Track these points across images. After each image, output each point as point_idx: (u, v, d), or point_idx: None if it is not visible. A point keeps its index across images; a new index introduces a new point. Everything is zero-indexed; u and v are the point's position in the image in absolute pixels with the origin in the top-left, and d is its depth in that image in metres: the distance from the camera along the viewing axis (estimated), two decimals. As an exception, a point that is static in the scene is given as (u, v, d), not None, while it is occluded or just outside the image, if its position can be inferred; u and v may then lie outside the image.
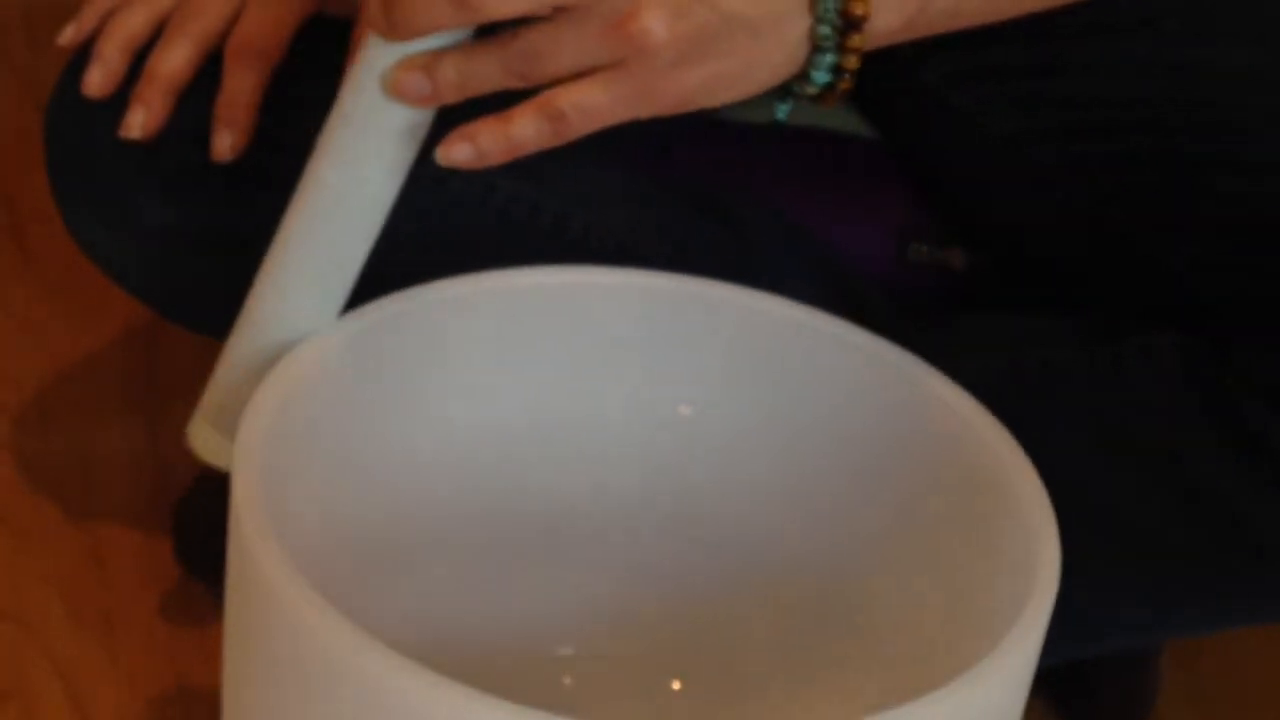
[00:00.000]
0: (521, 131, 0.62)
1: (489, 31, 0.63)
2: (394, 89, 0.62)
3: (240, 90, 0.78)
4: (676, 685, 0.78)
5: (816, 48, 0.63)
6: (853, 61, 0.64)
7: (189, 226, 0.81)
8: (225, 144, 0.78)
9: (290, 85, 0.79)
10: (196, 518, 0.91)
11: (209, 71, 0.79)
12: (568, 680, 0.78)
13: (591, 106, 0.61)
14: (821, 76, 0.64)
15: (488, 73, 0.62)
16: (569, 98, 0.61)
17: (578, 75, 0.62)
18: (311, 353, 0.65)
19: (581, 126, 0.62)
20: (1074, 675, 0.89)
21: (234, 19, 0.80)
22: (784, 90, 0.66)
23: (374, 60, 0.62)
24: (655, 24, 0.60)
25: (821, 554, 0.74)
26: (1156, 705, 0.91)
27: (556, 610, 0.78)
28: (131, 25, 0.80)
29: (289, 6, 0.80)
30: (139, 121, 0.78)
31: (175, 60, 0.79)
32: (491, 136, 0.62)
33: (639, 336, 0.73)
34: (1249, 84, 0.76)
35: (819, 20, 0.63)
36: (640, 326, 0.73)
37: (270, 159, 0.80)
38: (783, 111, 0.69)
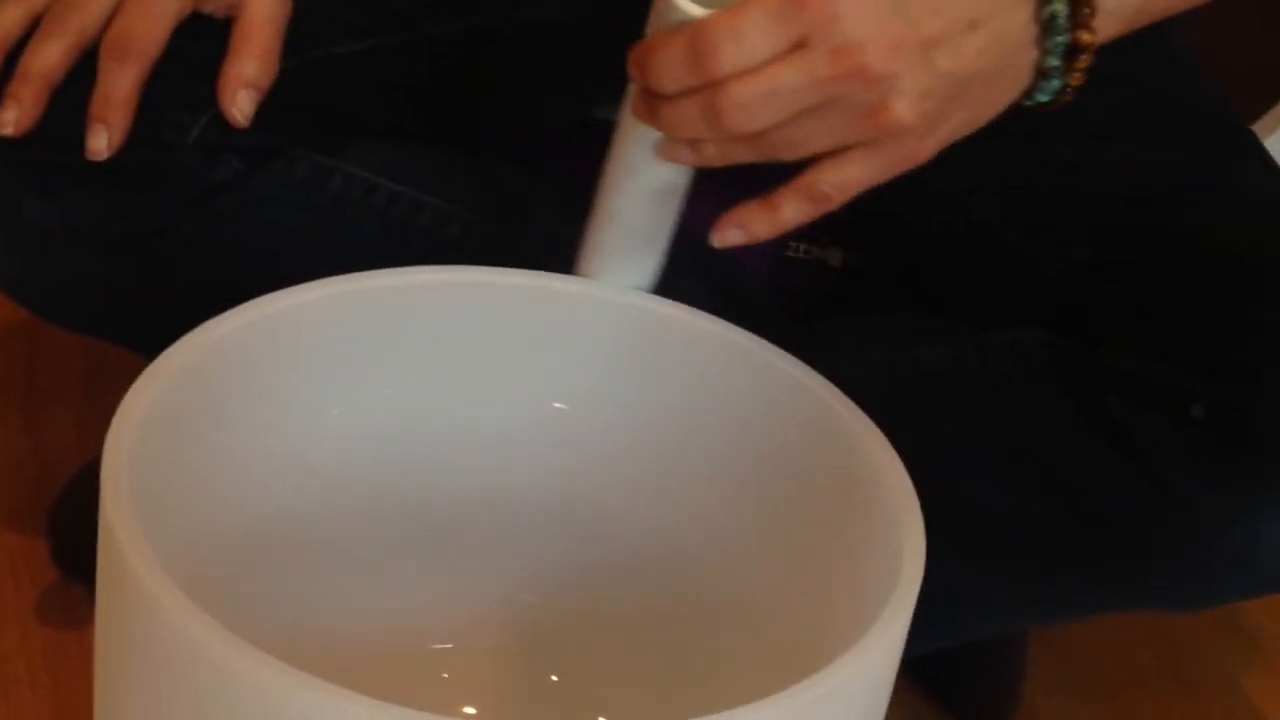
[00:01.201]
0: (788, 214, 0.66)
1: None
2: (665, 155, 0.67)
3: (116, 88, 0.77)
4: (555, 678, 0.79)
5: (1043, 75, 0.66)
6: (1078, 79, 0.66)
7: (65, 225, 0.80)
8: (100, 142, 0.77)
9: (167, 84, 0.79)
10: (75, 518, 0.91)
11: (85, 68, 0.78)
12: (446, 675, 0.78)
13: (851, 184, 0.65)
14: (1045, 97, 0.67)
15: (745, 154, 0.65)
16: (830, 179, 0.65)
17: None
18: (182, 354, 0.64)
19: (840, 200, 0.66)
20: (944, 663, 0.91)
21: (110, 16, 0.79)
22: None
23: (635, 139, 0.68)
24: (906, 113, 0.62)
25: (697, 547, 0.75)
26: (1024, 690, 0.93)
27: (434, 606, 0.78)
28: (5, 22, 0.79)
29: (165, 4, 0.79)
30: (11, 119, 0.77)
31: (49, 57, 0.78)
32: (761, 223, 0.67)
33: (516, 334, 0.73)
34: (1120, 89, 0.78)
35: (1047, 53, 0.65)
36: (517, 324, 0.73)
37: (148, 157, 0.80)
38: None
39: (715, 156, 0.66)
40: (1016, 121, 0.80)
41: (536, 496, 0.77)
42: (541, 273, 0.73)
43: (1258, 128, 1.13)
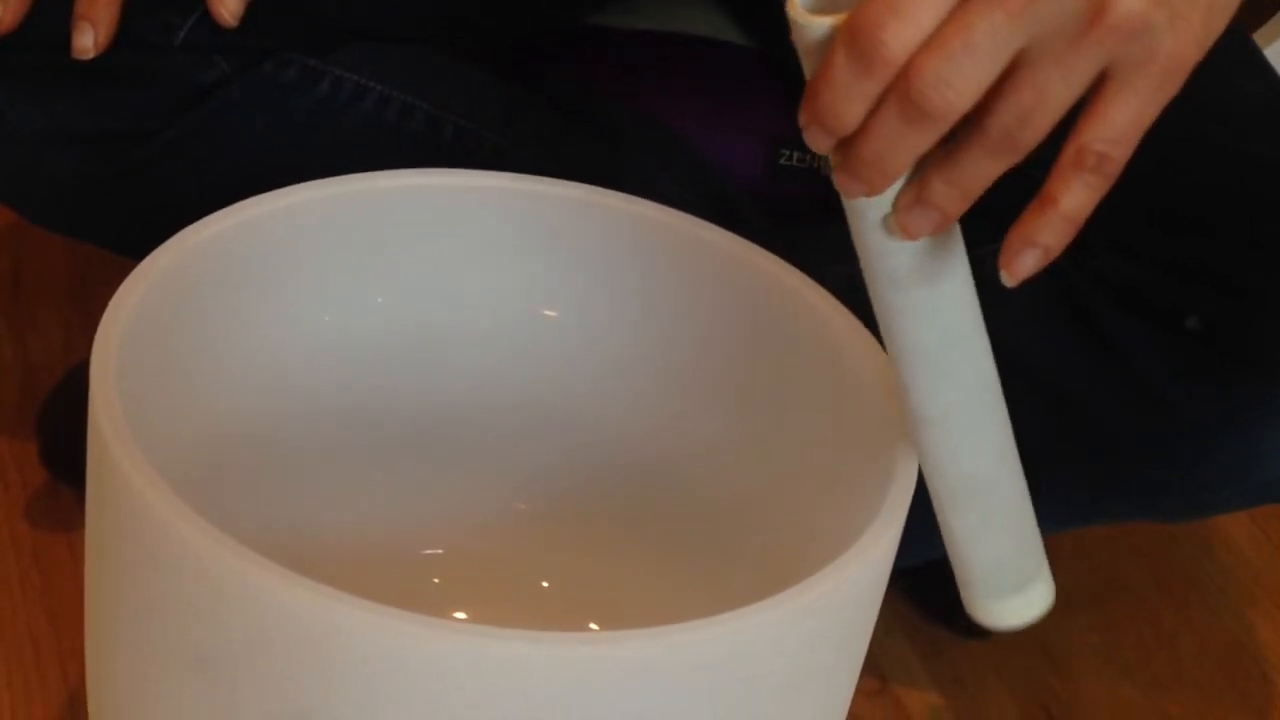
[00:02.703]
0: (1075, 202, 0.53)
1: None
2: (906, 234, 0.55)
3: (102, -15, 0.77)
4: (545, 584, 0.79)
5: None
6: None
7: (50, 127, 0.79)
8: (87, 41, 0.77)
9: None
10: (61, 420, 0.91)
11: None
12: (436, 580, 0.79)
13: (1125, 128, 0.52)
14: None
15: (980, 170, 0.53)
16: (1098, 135, 0.52)
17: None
18: (170, 256, 0.64)
19: (1126, 155, 0.53)
20: (934, 573, 0.91)
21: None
22: None
23: (871, 222, 0.55)
24: (1134, 2, 0.50)
25: (689, 454, 0.75)
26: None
27: (425, 511, 0.78)
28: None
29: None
30: (-5, 17, 0.76)
31: (34, -46, 0.77)
32: (1050, 228, 0.54)
33: (506, 240, 0.73)
34: None
35: None
36: (507, 230, 0.73)
37: (134, 58, 0.79)
38: None
39: (953, 195, 0.53)
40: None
41: (527, 403, 0.76)
42: (530, 177, 0.73)
43: (1258, 37, 1.12)
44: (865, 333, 0.67)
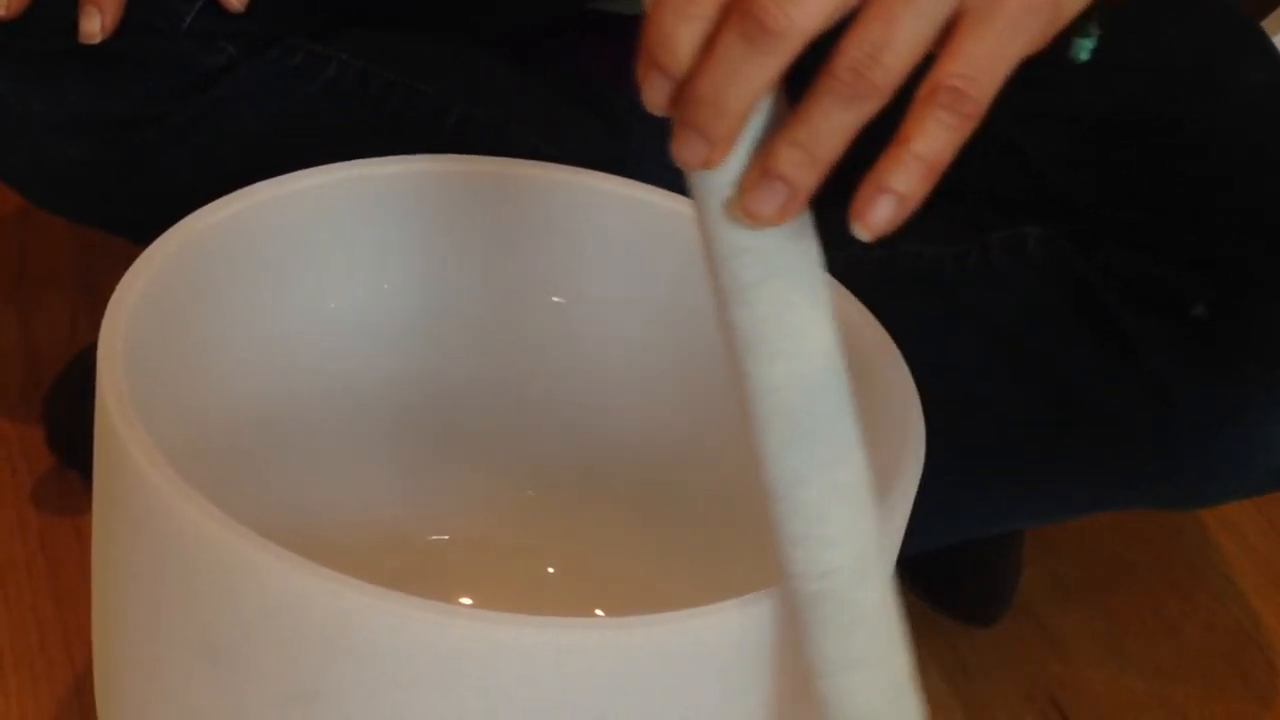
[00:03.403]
0: (931, 144, 0.48)
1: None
2: (755, 220, 0.49)
3: (109, -30, 0.77)
4: (551, 570, 0.79)
5: None
6: None
7: (57, 111, 0.79)
8: (94, 25, 0.77)
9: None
10: (69, 405, 0.91)
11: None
12: (443, 565, 0.79)
13: (980, 66, 0.48)
14: None
15: (831, 124, 0.47)
16: (951, 70, 0.47)
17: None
18: (176, 240, 0.64)
19: (985, 94, 0.48)
20: (939, 562, 0.91)
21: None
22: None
23: (715, 215, 0.49)
24: None
25: (695, 441, 0.75)
26: (1018, 590, 0.94)
27: (431, 497, 0.78)
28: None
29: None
30: (3, 0, 0.76)
31: (41, -61, 0.77)
32: (904, 172, 0.48)
33: (513, 226, 0.73)
34: None
35: None
36: (513, 216, 0.73)
37: (141, 43, 0.79)
38: (1086, 49, 0.62)
39: (802, 160, 0.48)
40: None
41: (534, 390, 0.77)
42: (537, 163, 0.73)
43: (1266, 24, 1.12)
44: (873, 320, 0.66)
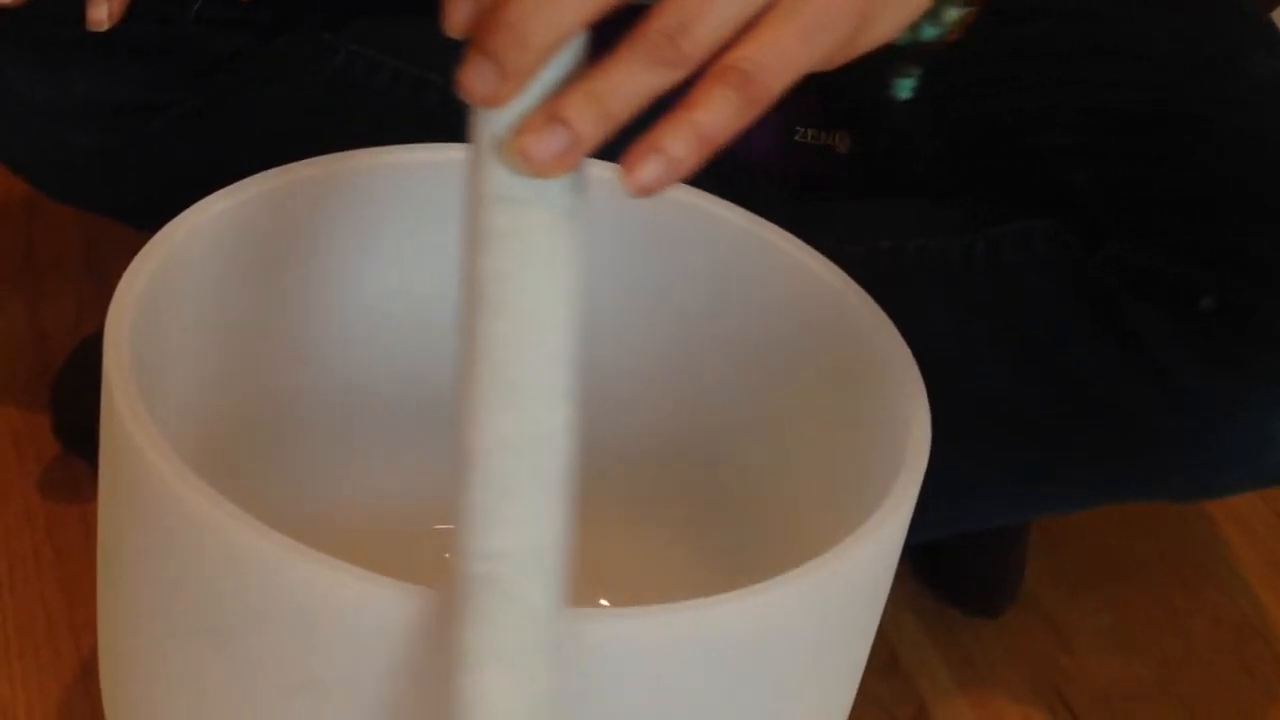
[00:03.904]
0: (712, 116, 0.48)
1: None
2: (529, 163, 0.48)
3: (116, -42, 0.76)
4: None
5: None
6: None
7: (64, 99, 0.79)
8: (101, 14, 0.76)
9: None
10: (74, 393, 0.91)
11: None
12: (448, 555, 0.79)
13: (774, 57, 0.48)
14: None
15: (631, 82, 0.47)
16: (745, 54, 0.48)
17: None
18: (183, 229, 0.64)
19: (773, 84, 0.49)
20: (944, 554, 0.91)
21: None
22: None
23: (487, 154, 0.48)
24: None
25: (702, 430, 0.75)
26: (1024, 582, 0.94)
27: (437, 486, 0.78)
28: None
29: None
30: (10, -10, 0.76)
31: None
32: (680, 137, 0.48)
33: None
34: None
35: None
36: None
37: (149, 31, 0.79)
38: (906, 88, 0.63)
39: (594, 114, 0.47)
40: (1016, 3, 0.79)
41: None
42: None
43: (1277, 17, 1.11)
44: (879, 310, 0.66)
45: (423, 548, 0.78)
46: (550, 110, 0.47)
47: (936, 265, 0.79)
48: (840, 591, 0.56)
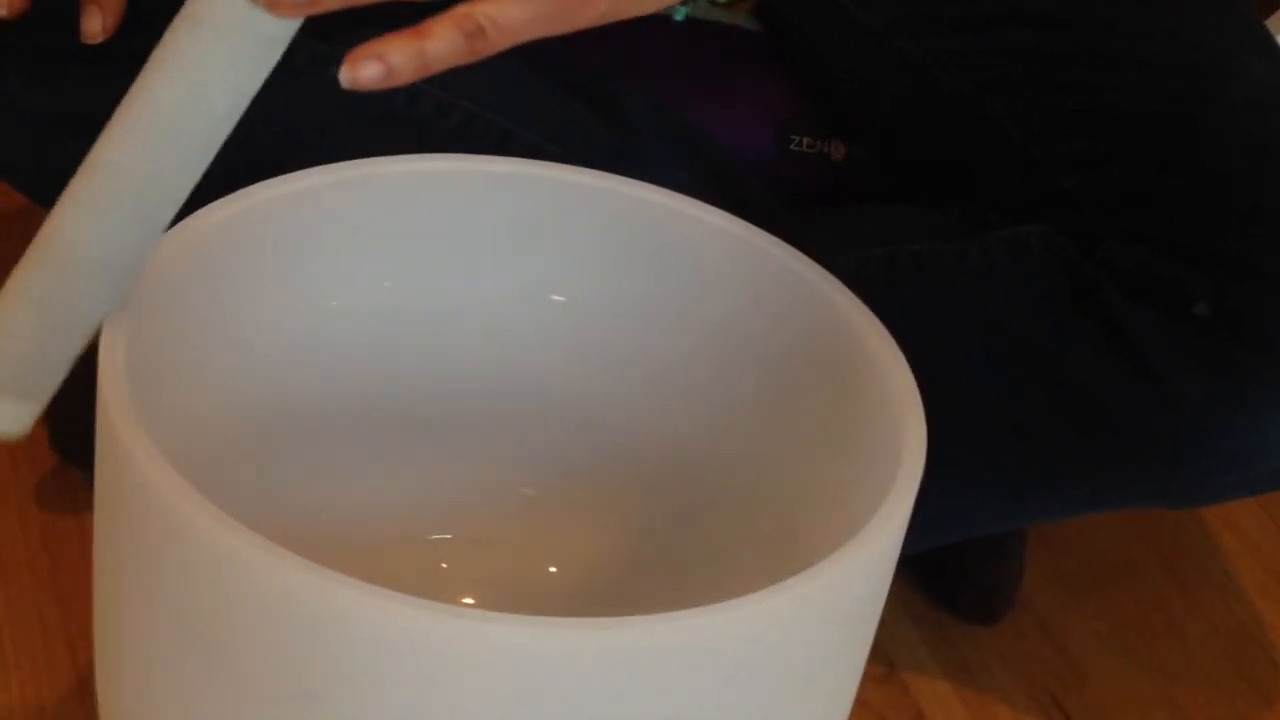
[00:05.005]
0: (437, 48, 0.58)
1: None
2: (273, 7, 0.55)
3: (110, -31, 0.76)
4: (553, 569, 0.79)
5: None
6: None
7: (58, 109, 0.79)
8: (95, 25, 0.76)
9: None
10: (70, 404, 0.91)
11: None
12: (444, 565, 0.79)
13: (511, 23, 0.58)
14: None
15: None
16: (487, 12, 0.58)
17: None
18: (178, 240, 0.64)
19: (498, 43, 0.58)
20: (941, 560, 0.91)
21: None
22: None
23: None
24: None
25: (696, 439, 0.75)
26: (1021, 589, 0.94)
27: (432, 497, 0.78)
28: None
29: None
30: (3, 0, 0.76)
31: (42, -62, 0.77)
32: (404, 54, 0.57)
33: (514, 225, 0.73)
34: None
35: None
36: (515, 215, 0.73)
37: (144, 41, 0.79)
38: (680, 13, 0.67)
39: None
40: (1011, 7, 0.79)
41: (535, 388, 0.77)
42: (537, 162, 0.73)
43: (1270, 23, 1.12)
44: (873, 317, 0.67)
45: (414, 557, 0.78)
46: None
47: (930, 271, 0.79)
48: (836, 600, 0.56)
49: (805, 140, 0.90)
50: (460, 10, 0.58)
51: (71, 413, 0.91)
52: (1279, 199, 0.73)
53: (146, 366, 0.59)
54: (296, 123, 0.82)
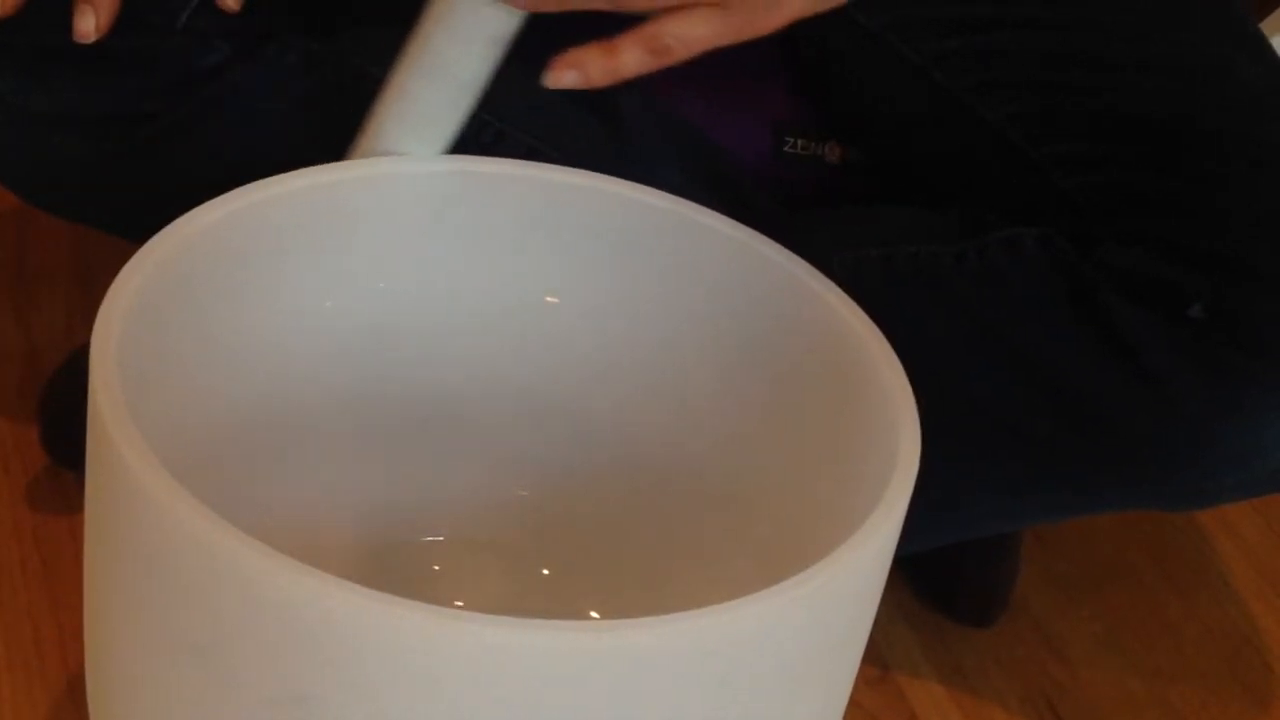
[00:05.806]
0: (627, 62, 0.65)
1: None
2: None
3: (103, -31, 0.76)
4: (546, 571, 0.79)
5: None
6: None
7: (51, 108, 0.79)
8: (88, 24, 0.76)
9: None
10: (62, 404, 0.91)
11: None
12: (436, 567, 0.79)
13: (695, 39, 0.64)
14: None
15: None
16: (674, 31, 0.64)
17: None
18: (170, 240, 0.64)
19: (683, 56, 0.65)
20: (936, 562, 0.91)
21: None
22: None
23: None
24: None
25: (690, 441, 0.75)
26: (1016, 591, 0.94)
27: (424, 499, 0.78)
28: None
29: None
30: (-2, 0, 0.76)
31: (36, -62, 0.77)
32: (599, 66, 0.65)
33: (507, 226, 0.73)
34: None
35: None
36: (508, 215, 0.73)
37: (136, 41, 0.79)
38: None
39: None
40: (1010, 9, 0.79)
41: (528, 390, 0.76)
42: (532, 163, 0.73)
43: (1265, 26, 1.12)
44: (868, 321, 0.66)
45: (408, 560, 0.78)
46: None
47: (927, 273, 0.79)
48: (831, 601, 0.56)
49: (800, 142, 0.90)
50: (648, 29, 0.64)
51: (64, 413, 0.91)
52: (1276, 201, 0.73)
53: (138, 368, 0.59)
54: (289, 122, 0.82)
